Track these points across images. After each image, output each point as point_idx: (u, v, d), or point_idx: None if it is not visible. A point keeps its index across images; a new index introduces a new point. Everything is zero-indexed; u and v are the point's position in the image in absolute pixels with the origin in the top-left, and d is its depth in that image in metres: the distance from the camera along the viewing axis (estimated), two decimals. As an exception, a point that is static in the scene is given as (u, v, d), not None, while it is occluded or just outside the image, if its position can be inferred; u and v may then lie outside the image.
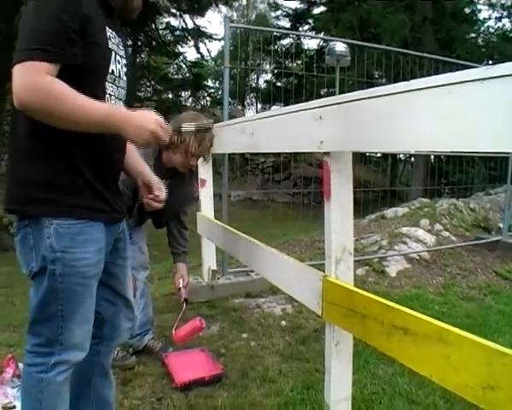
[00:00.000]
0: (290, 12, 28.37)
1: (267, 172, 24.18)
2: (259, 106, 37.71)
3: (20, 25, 1.86)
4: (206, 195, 5.16)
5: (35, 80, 1.78)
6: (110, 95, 2.14)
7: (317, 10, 27.12)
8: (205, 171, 5.14)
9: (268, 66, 33.12)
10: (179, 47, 24.42)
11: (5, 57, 13.23)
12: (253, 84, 39.11)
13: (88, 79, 1.95)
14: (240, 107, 34.81)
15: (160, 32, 23.22)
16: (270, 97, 23.92)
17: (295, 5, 27.76)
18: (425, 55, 7.90)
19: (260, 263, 3.50)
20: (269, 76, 33.16)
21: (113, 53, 2.10)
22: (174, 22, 23.15)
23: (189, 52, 61.04)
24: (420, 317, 1.86)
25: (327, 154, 2.41)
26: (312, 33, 26.49)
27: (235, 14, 40.49)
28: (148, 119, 2.02)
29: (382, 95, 1.96)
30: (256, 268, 3.96)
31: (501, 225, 8.41)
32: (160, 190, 2.51)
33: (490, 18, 25.60)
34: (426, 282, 6.14)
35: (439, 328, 1.75)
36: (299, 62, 23.59)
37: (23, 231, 2.06)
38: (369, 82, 8.17)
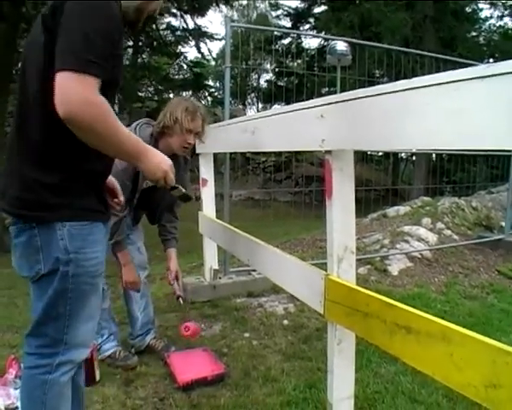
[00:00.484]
0: (291, 11, 28.37)
1: (268, 172, 24.19)
2: (260, 105, 37.75)
3: (67, 21, 1.84)
4: (207, 194, 5.16)
5: (92, 99, 1.80)
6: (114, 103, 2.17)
7: (317, 9, 27.14)
8: (206, 170, 5.14)
9: (269, 65, 33.13)
10: (180, 47, 24.44)
11: (7, 59, 13.26)
12: (254, 84, 39.11)
13: (109, 89, 1.96)
14: (241, 106, 34.79)
15: (161, 32, 23.21)
16: (271, 97, 23.95)
17: (296, 4, 27.79)
18: (426, 53, 7.89)
19: (262, 262, 3.49)
20: (270, 75, 33.18)
21: None
22: (175, 22, 23.14)
23: (190, 52, 61.09)
24: (423, 315, 1.86)
25: (328, 152, 2.40)
26: (313, 32, 26.46)
27: (235, 13, 40.52)
28: (164, 161, 2.19)
29: (384, 93, 1.95)
30: (258, 267, 3.95)
31: (503, 223, 8.39)
32: (122, 195, 2.55)
33: (492, 16, 25.59)
34: (428, 281, 6.14)
35: (442, 326, 1.74)
36: (299, 62, 23.61)
37: (28, 233, 2.04)
38: (371, 81, 8.16)
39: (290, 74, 17.90)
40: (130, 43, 20.86)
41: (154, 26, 21.51)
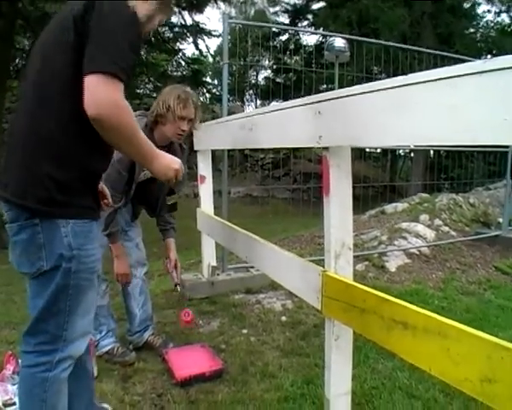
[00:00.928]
0: (289, 8, 28.35)
1: (267, 169, 24.19)
2: (259, 102, 37.73)
3: (102, 28, 1.95)
4: (205, 191, 5.17)
5: (120, 102, 1.93)
6: None
7: (315, 6, 27.11)
8: (204, 167, 5.15)
9: (267, 62, 33.12)
10: (178, 44, 24.40)
11: (4, 56, 13.25)
12: (253, 81, 39.13)
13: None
14: (239, 103, 34.82)
15: (159, 28, 23.17)
16: (268, 93, 23.96)
17: (294, 1, 27.76)
18: (424, 50, 7.89)
19: (260, 259, 3.50)
20: (268, 72, 33.19)
21: None
22: (173, 19, 23.11)
23: (188, 49, 60.99)
24: (419, 311, 1.86)
25: (326, 148, 2.41)
26: (311, 29, 26.43)
27: (233, 10, 40.41)
28: (174, 160, 2.37)
29: (381, 89, 1.96)
30: (255, 264, 3.96)
31: (500, 219, 8.40)
32: (110, 196, 2.71)
33: (489, 11, 25.61)
34: (425, 277, 6.14)
35: (439, 322, 1.75)
36: (298, 58, 23.63)
37: (30, 230, 2.07)
38: (368, 77, 8.16)
39: (288, 71, 17.87)
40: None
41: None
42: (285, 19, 29.22)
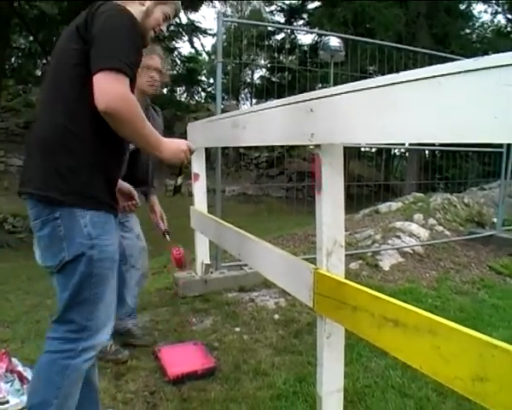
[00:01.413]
0: (284, 7, 28.35)
1: (262, 167, 24.20)
2: (254, 101, 37.71)
3: (104, 32, 2.11)
4: (199, 189, 5.16)
5: (127, 94, 2.08)
6: None
7: (311, 5, 27.11)
8: (198, 165, 5.14)
9: (262, 61, 33.11)
10: (174, 42, 24.39)
11: (1, 55, 13.24)
12: (248, 80, 39.12)
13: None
14: (234, 102, 34.81)
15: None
16: (264, 92, 23.94)
17: (289, 0, 27.76)
18: (419, 49, 7.90)
19: (252, 256, 3.50)
20: (263, 71, 33.18)
21: None
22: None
23: (184, 47, 60.97)
24: (410, 308, 1.86)
25: (318, 146, 2.41)
26: (307, 28, 26.43)
27: (229, 9, 40.43)
28: (181, 142, 2.47)
29: (372, 87, 1.96)
30: (248, 262, 3.97)
31: (495, 219, 8.43)
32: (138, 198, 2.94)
33: (486, 12, 25.65)
34: (419, 276, 6.15)
35: (429, 319, 1.75)
36: (293, 58, 23.61)
37: (52, 224, 2.18)
38: (363, 77, 8.16)
39: (283, 70, 17.88)
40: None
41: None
42: (281, 18, 29.25)
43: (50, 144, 2.17)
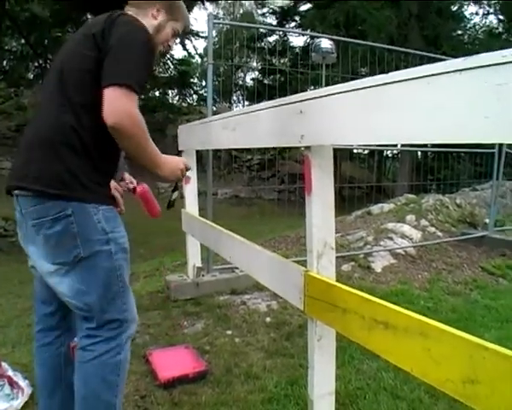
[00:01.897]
0: (276, 9, 28.36)
1: (254, 170, 24.18)
2: (246, 103, 37.71)
3: (120, 46, 2.18)
4: (190, 192, 5.15)
5: (135, 113, 2.13)
6: None
7: (303, 7, 27.11)
8: (189, 168, 5.12)
9: (254, 63, 33.12)
10: (165, 44, 24.34)
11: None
12: (240, 82, 39.15)
13: None
14: (226, 104, 34.81)
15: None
16: (255, 95, 23.94)
17: (281, 2, 27.76)
18: (410, 51, 7.90)
19: (243, 259, 3.49)
20: (255, 73, 33.19)
21: None
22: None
23: (176, 50, 60.97)
24: (400, 310, 1.85)
25: (308, 148, 2.40)
26: (299, 30, 26.45)
27: (221, 11, 40.47)
28: (179, 160, 2.58)
29: (362, 88, 1.95)
30: (239, 264, 3.95)
31: (487, 220, 8.45)
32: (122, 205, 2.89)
33: (477, 13, 25.72)
34: (411, 277, 6.16)
35: (420, 322, 1.74)
36: (285, 60, 23.62)
37: (64, 222, 2.17)
38: (355, 78, 8.12)
39: (275, 72, 17.90)
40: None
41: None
42: (273, 20, 29.24)
43: (58, 144, 2.18)
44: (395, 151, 22.04)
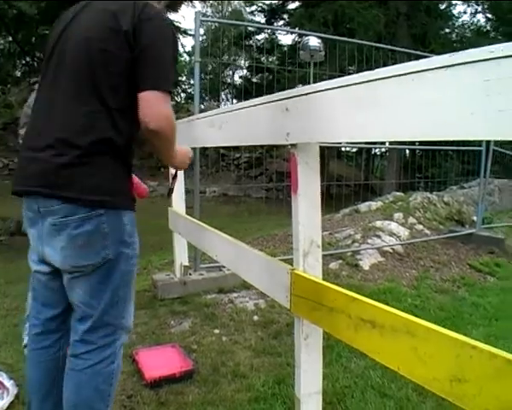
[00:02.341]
0: (265, 7, 28.36)
1: (242, 168, 24.16)
2: (235, 101, 37.70)
3: (157, 46, 2.18)
4: (177, 190, 5.12)
5: (172, 116, 2.20)
6: None
7: (291, 6, 27.12)
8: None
9: (243, 61, 33.13)
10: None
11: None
12: (228, 80, 39.13)
13: None
14: (215, 102, 34.80)
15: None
16: (244, 93, 23.94)
17: (270, 0, 27.77)
18: (398, 49, 7.94)
19: (229, 258, 3.48)
20: (244, 71, 33.20)
21: None
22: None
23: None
24: (387, 309, 1.84)
25: (294, 145, 2.39)
26: (287, 28, 26.44)
27: (209, 9, 40.44)
28: (187, 151, 2.79)
29: (349, 84, 1.94)
30: (225, 263, 3.93)
31: (475, 218, 8.50)
32: None
33: (465, 12, 25.85)
34: (399, 275, 6.17)
35: (406, 320, 1.73)
36: (274, 58, 23.64)
37: (96, 221, 2.11)
38: (342, 76, 8.12)
39: (264, 70, 17.90)
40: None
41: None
42: (261, 18, 29.25)
43: (94, 150, 2.10)
44: (383, 149, 22.08)
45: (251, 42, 25.53)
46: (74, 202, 2.07)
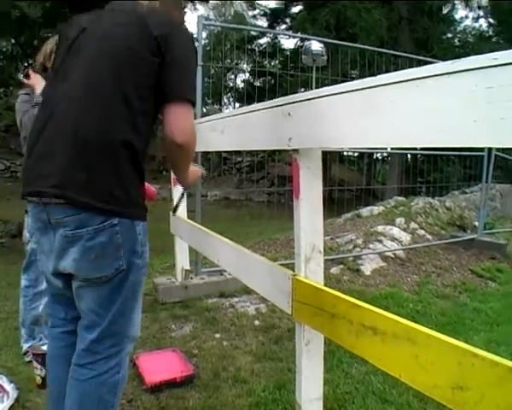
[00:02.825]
0: (267, 11, 28.38)
1: (244, 172, 24.14)
2: (237, 105, 37.63)
3: (179, 52, 2.18)
4: (178, 194, 5.11)
5: (195, 129, 2.23)
6: None
7: (294, 9, 27.13)
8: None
9: (245, 65, 33.15)
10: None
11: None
12: (231, 84, 39.13)
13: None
14: (217, 106, 34.79)
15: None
16: (247, 97, 23.96)
17: (273, 4, 27.82)
18: (400, 53, 7.92)
19: (231, 262, 3.47)
20: (246, 75, 33.19)
21: None
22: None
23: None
24: (388, 316, 1.84)
25: (296, 151, 2.38)
26: (289, 32, 26.46)
27: (211, 13, 40.44)
28: (197, 170, 2.91)
29: (351, 90, 1.94)
30: (227, 268, 3.93)
31: (476, 223, 8.49)
32: None
33: (467, 17, 25.83)
34: (401, 280, 6.16)
35: (407, 327, 1.73)
36: (276, 62, 23.64)
37: (109, 231, 2.05)
38: (345, 81, 8.11)
39: (266, 74, 17.90)
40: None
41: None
42: (263, 22, 29.27)
43: (114, 156, 2.04)
44: (385, 154, 22.06)
45: (253, 46, 25.57)
46: (87, 210, 2.00)
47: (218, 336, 4.36)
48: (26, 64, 21.08)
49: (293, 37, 29.43)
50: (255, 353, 4.03)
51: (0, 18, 13.52)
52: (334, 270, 6.13)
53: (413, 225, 8.01)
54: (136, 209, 2.17)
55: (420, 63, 6.83)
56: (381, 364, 1.90)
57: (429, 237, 7.87)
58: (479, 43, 22.72)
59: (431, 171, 12.25)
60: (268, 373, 3.69)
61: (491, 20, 25.54)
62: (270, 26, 27.21)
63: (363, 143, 2.09)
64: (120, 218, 2.07)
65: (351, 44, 9.10)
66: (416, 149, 10.25)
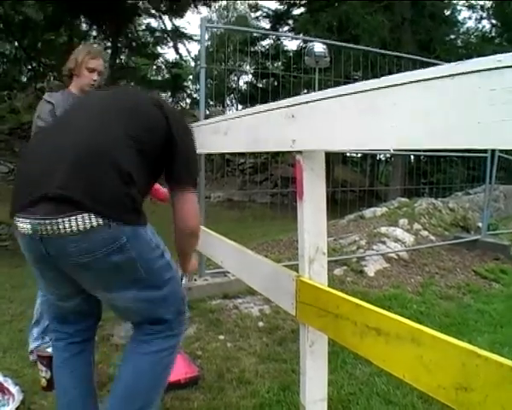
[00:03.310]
0: (270, 13, 28.39)
1: (247, 174, 24.14)
2: (240, 107, 37.67)
3: (191, 143, 2.58)
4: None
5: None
6: None
7: (296, 11, 27.15)
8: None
9: (248, 67, 33.15)
10: (158, 48, 24.41)
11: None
12: (234, 85, 39.16)
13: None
14: (220, 108, 34.83)
15: (140, 33, 23.15)
16: (247, 98, 23.97)
17: (275, 6, 27.82)
18: (403, 55, 7.92)
19: (235, 264, 3.47)
20: (249, 77, 33.21)
21: None
22: (154, 23, 23.12)
23: (170, 53, 61.09)
24: (392, 317, 1.84)
25: (299, 152, 2.39)
26: (292, 34, 26.46)
27: (214, 15, 40.50)
28: (196, 262, 3.20)
29: (354, 92, 1.94)
30: (231, 269, 3.93)
31: (480, 224, 8.48)
32: None
33: (470, 18, 25.83)
34: (404, 281, 6.16)
35: (411, 328, 1.73)
36: (279, 64, 23.65)
37: (121, 251, 2.04)
38: (348, 83, 8.09)
39: (269, 76, 17.91)
40: (109, 44, 20.75)
41: (132, 28, 21.45)
42: (266, 24, 29.29)
43: (117, 173, 2.03)
44: (388, 155, 22.06)
45: (256, 47, 25.57)
46: (95, 230, 1.96)
47: (221, 337, 4.37)
48: (29, 67, 21.12)
49: (296, 38, 29.48)
50: (259, 354, 4.04)
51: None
52: (338, 271, 6.13)
53: (416, 226, 8.01)
54: (141, 217, 2.18)
55: (422, 65, 6.84)
56: (385, 365, 1.90)
57: (433, 238, 7.86)
58: (482, 45, 22.71)
59: (434, 172, 12.24)
60: (272, 374, 3.70)
61: (493, 22, 25.54)
62: (273, 28, 27.20)
63: (368, 146, 2.09)
64: (125, 227, 2.04)
65: (353, 46, 9.12)
66: (419, 149, 10.26)
